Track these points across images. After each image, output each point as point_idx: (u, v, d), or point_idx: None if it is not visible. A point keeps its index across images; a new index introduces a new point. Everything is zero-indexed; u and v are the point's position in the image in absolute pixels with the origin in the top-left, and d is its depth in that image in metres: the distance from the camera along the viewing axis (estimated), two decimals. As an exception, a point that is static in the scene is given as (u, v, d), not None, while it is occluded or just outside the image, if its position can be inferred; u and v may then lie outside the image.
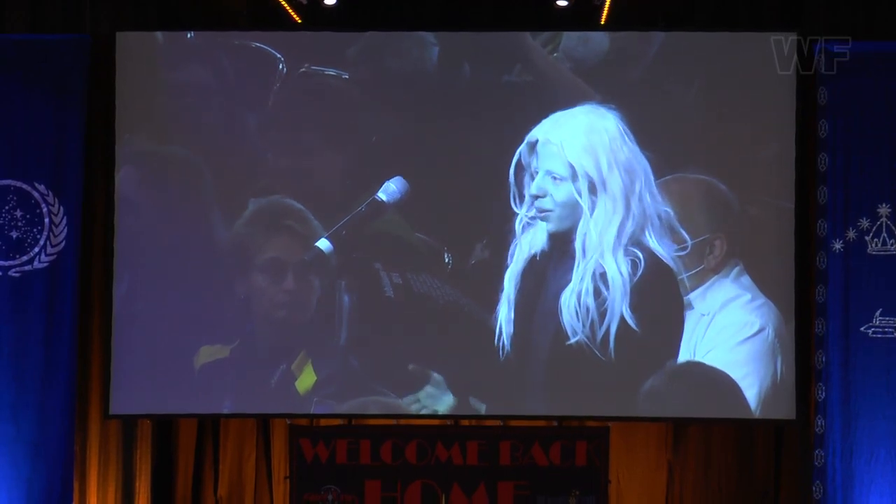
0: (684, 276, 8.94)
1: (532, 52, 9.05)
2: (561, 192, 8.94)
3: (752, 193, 8.98)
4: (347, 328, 9.05)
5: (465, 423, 9.21)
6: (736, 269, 8.96)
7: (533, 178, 8.96)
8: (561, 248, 8.97)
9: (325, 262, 9.06)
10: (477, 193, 9.06)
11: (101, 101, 9.16)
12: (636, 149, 8.96)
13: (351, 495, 8.94)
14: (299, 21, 9.19)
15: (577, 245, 8.93)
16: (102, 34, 9.15)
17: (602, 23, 9.08)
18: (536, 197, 8.94)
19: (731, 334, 8.92)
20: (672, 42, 9.04)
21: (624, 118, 8.96)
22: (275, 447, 9.42)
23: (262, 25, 9.22)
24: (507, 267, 9.01)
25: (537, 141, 8.96)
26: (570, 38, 9.06)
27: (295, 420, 9.11)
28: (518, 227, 9.01)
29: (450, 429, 9.13)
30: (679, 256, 8.93)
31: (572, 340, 8.91)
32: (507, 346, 8.97)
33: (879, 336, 8.83)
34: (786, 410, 8.95)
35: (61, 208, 9.04)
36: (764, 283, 8.95)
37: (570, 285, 8.92)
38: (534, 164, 8.97)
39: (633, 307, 8.89)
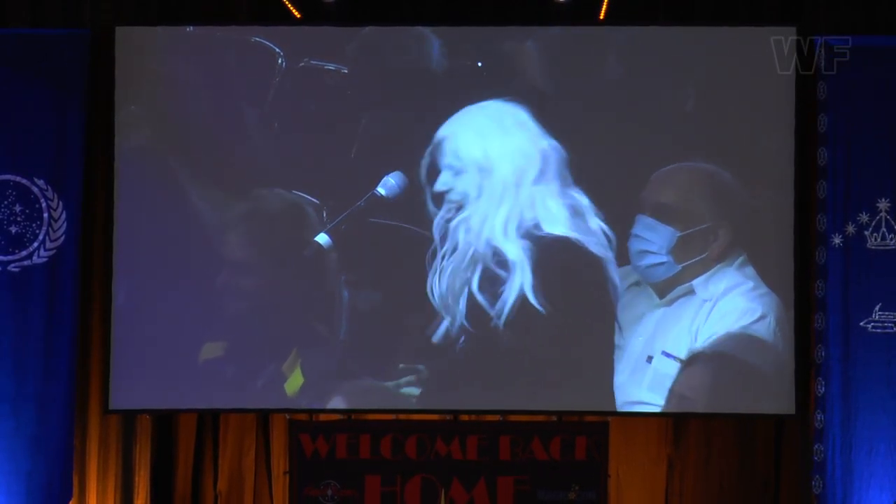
0: (681, 266, 8.94)
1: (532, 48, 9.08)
2: (462, 184, 8.97)
3: (752, 188, 8.99)
4: (347, 323, 9.05)
5: (465, 417, 9.22)
6: (740, 259, 8.96)
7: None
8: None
9: (325, 257, 9.05)
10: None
11: (100, 95, 9.15)
12: (543, 134, 8.95)
13: (351, 490, 8.94)
14: (299, 16, 9.19)
15: (461, 231, 8.94)
16: (102, 28, 9.14)
17: (601, 18, 9.09)
18: (442, 192, 8.99)
19: (733, 320, 8.93)
20: (671, 36, 9.04)
21: (529, 110, 8.97)
22: (274, 442, 9.42)
23: (262, 20, 9.22)
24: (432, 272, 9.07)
25: (441, 139, 9.02)
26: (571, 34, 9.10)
27: (294, 415, 9.11)
28: (436, 229, 9.02)
29: (449, 424, 9.14)
30: (676, 250, 8.93)
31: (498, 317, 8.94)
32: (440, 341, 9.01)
33: (879, 331, 8.84)
34: (785, 405, 8.96)
35: (60, 203, 9.04)
36: (766, 275, 8.96)
37: (463, 268, 8.96)
38: (439, 162, 9.01)
39: (537, 289, 8.90)
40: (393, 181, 9.07)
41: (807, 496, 8.97)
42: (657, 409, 8.97)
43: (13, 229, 9.03)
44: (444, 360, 9.00)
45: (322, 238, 9.06)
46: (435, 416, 9.11)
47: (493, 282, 8.95)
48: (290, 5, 9.15)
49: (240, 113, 9.12)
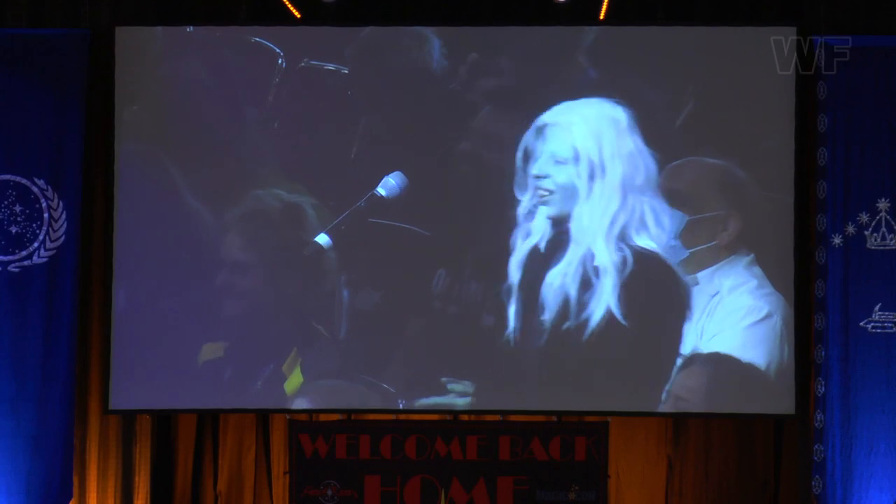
0: (689, 252, 8.93)
1: (537, 47, 9.06)
2: (562, 175, 8.95)
3: (752, 187, 8.99)
4: (347, 322, 9.05)
5: (465, 417, 9.22)
6: (749, 258, 8.96)
7: (535, 162, 8.97)
8: (558, 235, 8.97)
9: (325, 257, 9.05)
10: (476, 188, 9.06)
11: (100, 95, 9.16)
12: (643, 146, 8.96)
13: (350, 490, 8.95)
14: (299, 16, 9.19)
15: (572, 227, 8.93)
16: (101, 28, 9.15)
17: (601, 17, 9.08)
18: (538, 177, 8.95)
19: (739, 318, 8.93)
20: (672, 36, 9.04)
21: (633, 115, 8.97)
22: (274, 442, 9.42)
23: (262, 20, 9.22)
24: (510, 257, 9.01)
25: (546, 125, 8.96)
26: (570, 34, 9.08)
27: (294, 415, 9.11)
28: (521, 215, 9.01)
29: (449, 424, 9.14)
30: (684, 235, 8.93)
31: (544, 318, 8.90)
32: (513, 339, 8.97)
33: (879, 331, 8.84)
34: (785, 405, 8.96)
35: (60, 203, 9.04)
36: (770, 275, 8.95)
37: (558, 267, 8.92)
38: (539, 148, 8.97)
39: (622, 300, 8.89)
40: (393, 181, 9.07)
41: (807, 496, 8.96)
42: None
43: (13, 229, 9.03)
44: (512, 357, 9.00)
45: (322, 238, 9.06)
46: (435, 416, 9.11)
47: (586, 285, 8.94)
48: (290, 5, 9.15)
49: (240, 113, 9.13)
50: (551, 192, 8.97)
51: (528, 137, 9.00)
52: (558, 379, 9.00)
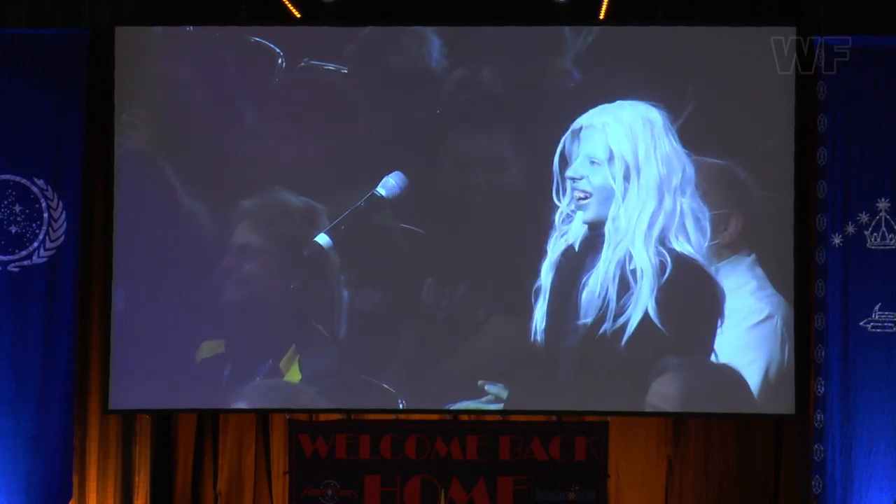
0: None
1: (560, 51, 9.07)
2: (598, 177, 8.93)
3: (752, 187, 8.98)
4: (347, 322, 9.05)
5: (465, 418, 9.21)
6: (751, 259, 8.95)
7: (571, 164, 8.96)
8: (594, 238, 8.95)
9: (325, 257, 9.05)
10: (475, 189, 9.06)
11: (99, 95, 9.15)
12: (679, 146, 8.95)
13: (350, 490, 8.95)
14: (299, 16, 9.19)
15: (608, 229, 8.91)
16: (101, 28, 9.14)
17: (601, 17, 9.08)
18: (574, 179, 8.93)
19: (740, 319, 8.92)
20: (672, 36, 9.04)
21: (669, 116, 8.96)
22: (274, 442, 9.42)
23: (262, 20, 9.22)
24: (543, 260, 8.99)
25: (581, 127, 8.95)
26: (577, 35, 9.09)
27: (294, 415, 9.11)
28: (558, 220, 8.99)
29: (449, 424, 9.14)
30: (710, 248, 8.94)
31: (580, 322, 8.89)
32: (541, 340, 8.95)
33: (879, 331, 8.84)
34: (785, 405, 8.96)
35: (60, 203, 9.04)
36: (771, 276, 8.95)
37: (595, 269, 8.91)
38: (575, 150, 8.96)
39: (660, 304, 8.88)
40: (393, 181, 9.07)
41: (806, 496, 8.96)
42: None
43: (13, 229, 9.03)
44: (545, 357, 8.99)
45: (322, 238, 9.06)
46: (435, 416, 9.11)
47: (624, 286, 8.93)
48: (290, 5, 9.14)
49: (239, 113, 9.12)
50: (589, 193, 8.93)
51: (566, 140, 8.96)
52: (591, 381, 8.99)
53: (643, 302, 8.89)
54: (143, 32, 9.16)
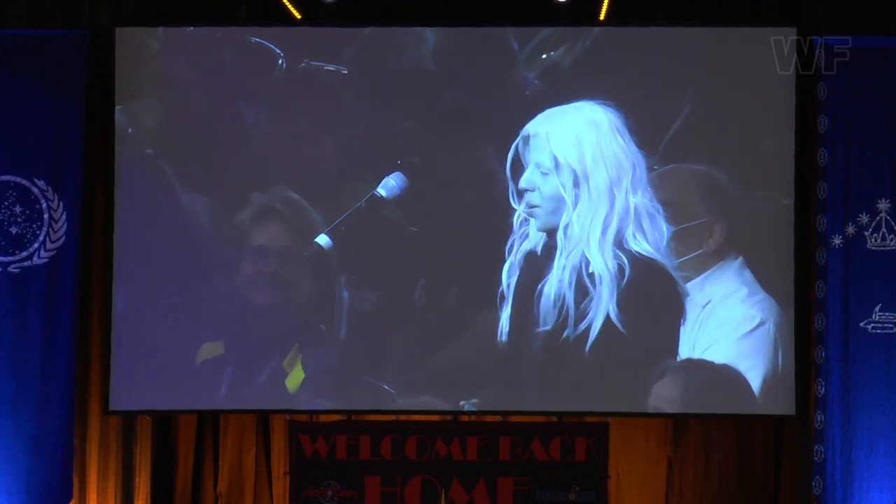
0: (677, 262, 8.91)
1: (529, 50, 9.05)
2: (548, 186, 8.93)
3: (752, 188, 8.98)
4: (347, 323, 9.05)
5: (465, 418, 9.21)
6: (738, 262, 8.94)
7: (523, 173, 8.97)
8: (550, 242, 8.96)
9: (325, 258, 9.05)
10: (475, 189, 9.06)
11: (100, 95, 9.16)
12: (629, 145, 8.94)
13: (350, 491, 8.95)
14: (299, 16, 9.19)
15: (559, 237, 8.91)
16: (101, 29, 9.14)
17: (601, 18, 9.08)
18: (525, 191, 8.94)
19: (731, 329, 8.92)
20: (672, 36, 9.04)
21: (622, 115, 8.95)
22: (274, 443, 9.42)
23: (262, 21, 9.22)
24: (503, 263, 9.00)
25: (529, 135, 8.96)
26: (566, 35, 9.06)
27: (294, 415, 9.11)
28: (516, 222, 9.00)
29: (449, 424, 9.14)
30: (672, 245, 8.91)
31: (540, 329, 8.89)
32: (505, 342, 8.97)
33: (879, 331, 8.84)
34: (785, 405, 8.95)
35: (61, 204, 9.04)
36: (764, 278, 8.95)
37: (550, 275, 8.91)
38: (526, 157, 8.97)
39: (621, 307, 8.88)
40: (393, 182, 9.07)
41: (807, 497, 8.96)
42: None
43: (13, 230, 9.03)
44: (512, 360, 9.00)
45: (322, 238, 9.06)
46: (435, 417, 9.11)
47: (583, 292, 8.92)
48: (290, 6, 9.15)
49: (239, 114, 9.13)
50: (538, 206, 8.94)
51: (518, 146, 8.98)
52: (557, 384, 8.99)
53: (604, 306, 8.89)
54: (143, 33, 9.16)
